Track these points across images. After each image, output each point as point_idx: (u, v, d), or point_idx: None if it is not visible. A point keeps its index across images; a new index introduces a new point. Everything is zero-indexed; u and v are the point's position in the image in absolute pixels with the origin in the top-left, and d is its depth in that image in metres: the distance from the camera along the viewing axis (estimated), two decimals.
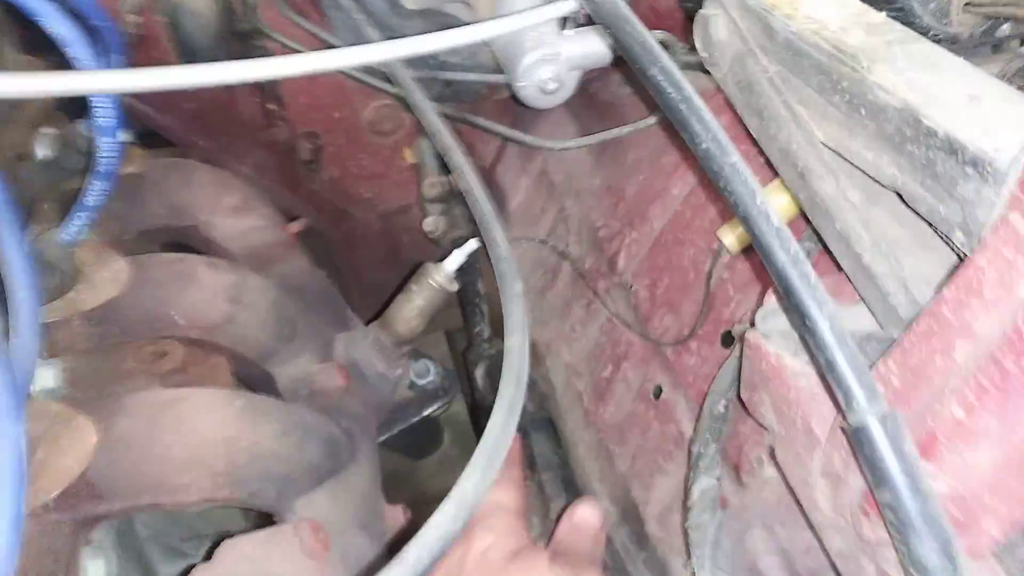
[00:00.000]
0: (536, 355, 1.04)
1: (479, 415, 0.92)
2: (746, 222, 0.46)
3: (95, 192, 0.66)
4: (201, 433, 0.62)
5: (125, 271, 0.69)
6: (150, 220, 0.82)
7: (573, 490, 0.94)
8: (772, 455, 0.65)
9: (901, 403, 0.45)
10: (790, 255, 0.45)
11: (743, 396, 0.62)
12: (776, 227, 0.46)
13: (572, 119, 1.03)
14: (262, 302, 0.74)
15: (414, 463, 1.47)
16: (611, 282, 0.92)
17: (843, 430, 0.45)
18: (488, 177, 1.14)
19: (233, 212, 0.85)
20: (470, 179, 0.63)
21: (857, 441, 0.43)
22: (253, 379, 0.73)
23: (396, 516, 0.77)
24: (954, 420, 0.42)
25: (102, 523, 0.66)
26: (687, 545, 0.67)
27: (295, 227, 0.85)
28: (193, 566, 0.57)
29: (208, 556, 0.58)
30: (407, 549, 0.35)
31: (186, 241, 0.83)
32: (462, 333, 1.26)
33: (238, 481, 0.62)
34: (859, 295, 0.57)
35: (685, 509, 0.68)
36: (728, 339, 0.78)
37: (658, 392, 0.85)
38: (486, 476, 0.39)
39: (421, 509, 0.98)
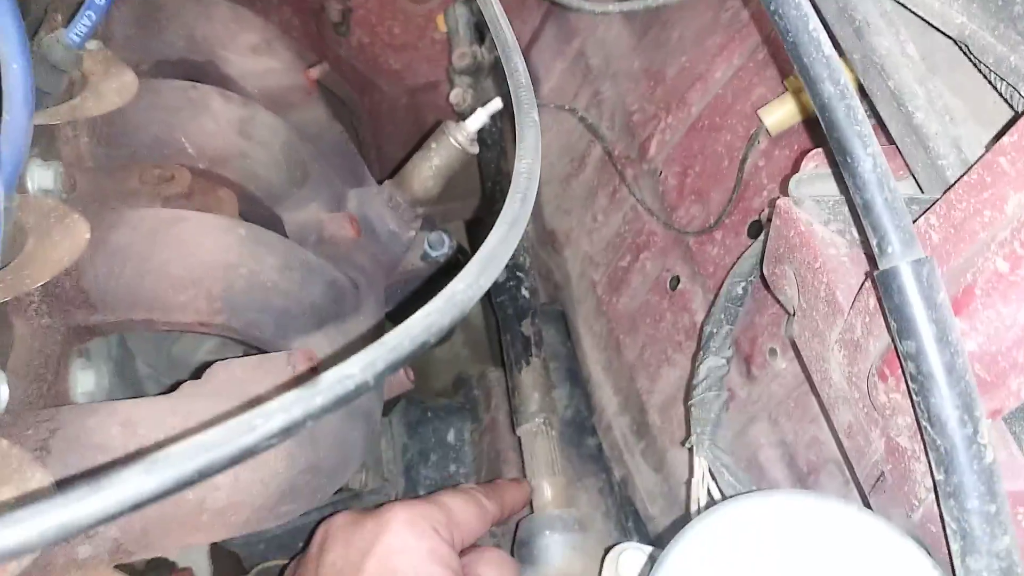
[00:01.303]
0: (555, 245, 1.02)
1: (495, 324, 0.89)
2: (796, 51, 0.43)
3: None
4: (200, 254, 0.60)
5: (134, 84, 0.66)
6: (166, 50, 0.79)
7: (576, 381, 0.93)
8: (790, 342, 0.63)
9: (940, 259, 0.42)
10: (838, 87, 0.41)
11: (766, 271, 0.59)
12: (827, 56, 0.42)
13: None
14: (275, 141, 0.71)
15: (422, 358, 1.47)
16: (640, 169, 0.88)
17: (872, 278, 0.42)
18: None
19: (252, 51, 0.81)
20: (495, 8, 0.59)
21: (886, 288, 0.40)
22: (261, 220, 0.71)
23: (401, 379, 0.75)
24: (996, 273, 0.38)
25: (98, 342, 0.65)
26: (687, 424, 0.65)
27: (315, 72, 0.82)
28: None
29: (197, 376, 0.57)
30: (388, 335, 0.33)
31: (202, 79, 0.80)
32: (482, 227, 1.24)
33: (235, 308, 0.60)
34: (905, 164, 0.53)
35: (690, 387, 0.65)
36: (756, 229, 0.74)
37: (675, 282, 0.82)
38: (479, 282, 0.37)
39: (427, 402, 0.98)
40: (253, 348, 0.66)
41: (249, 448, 0.29)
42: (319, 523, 0.63)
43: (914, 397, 0.39)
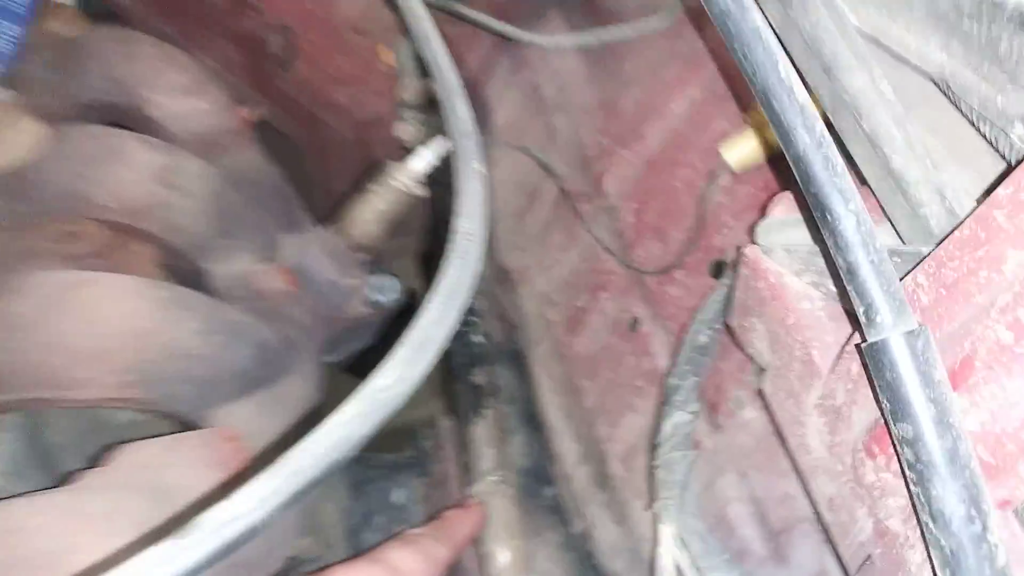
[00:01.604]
0: (509, 283, 0.96)
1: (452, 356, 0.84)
2: (765, 96, 0.38)
3: (5, 36, 0.56)
4: (108, 322, 0.53)
5: (41, 136, 0.59)
6: (86, 93, 0.72)
7: (534, 425, 0.87)
8: (758, 394, 0.58)
9: (931, 324, 0.37)
10: (815, 136, 0.37)
11: (732, 323, 0.55)
12: (801, 104, 0.37)
13: (567, 24, 0.93)
14: (201, 189, 0.65)
15: None
16: (596, 205, 0.84)
17: (859, 350, 0.37)
18: (473, 90, 1.04)
19: (179, 91, 0.75)
20: (436, 48, 0.54)
21: (876, 362, 0.35)
22: (185, 276, 0.64)
23: None
24: (999, 344, 0.34)
25: None
26: (652, 486, 0.60)
27: (249, 112, 0.76)
28: None
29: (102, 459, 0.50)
30: (288, 455, 0.27)
31: (125, 123, 0.74)
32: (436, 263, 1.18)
33: (149, 380, 0.53)
34: (882, 210, 0.49)
35: (654, 446, 0.61)
36: (718, 269, 0.70)
37: (635, 324, 0.77)
38: (406, 376, 0.31)
39: (372, 459, 0.91)
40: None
41: None
42: None
43: (912, 486, 0.35)
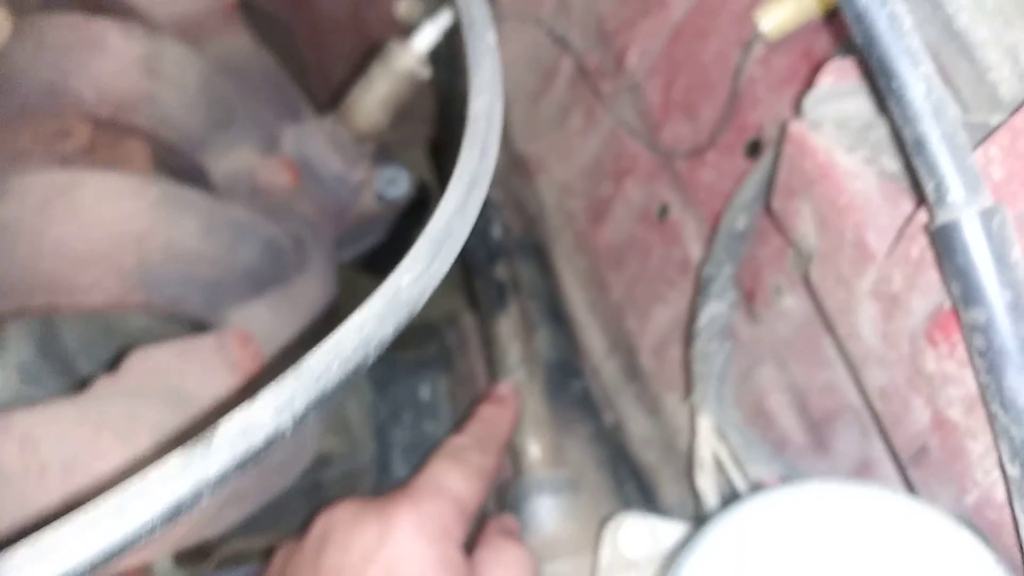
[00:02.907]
0: (525, 172, 0.92)
1: (471, 251, 0.80)
2: None
3: None
4: (105, 224, 0.50)
5: (10, 25, 0.54)
6: None
7: (559, 320, 0.85)
8: (803, 281, 0.55)
9: (1005, 201, 0.33)
10: None
11: (775, 206, 0.51)
12: None
13: None
14: (189, 78, 0.60)
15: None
16: (618, 83, 0.78)
17: (928, 231, 0.33)
18: None
19: None
20: None
21: (946, 244, 0.32)
22: (183, 172, 0.61)
23: None
24: None
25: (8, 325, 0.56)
26: (687, 378, 0.58)
27: None
28: None
29: (114, 366, 0.48)
30: (310, 358, 0.25)
31: (102, 9, 0.68)
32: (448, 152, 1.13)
33: (154, 283, 0.51)
34: (940, 73, 0.44)
35: (689, 337, 0.58)
36: (754, 148, 0.65)
37: (664, 212, 0.73)
38: (430, 270, 0.28)
39: (393, 348, 0.90)
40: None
41: (116, 547, 0.21)
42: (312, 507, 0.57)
43: (981, 375, 0.32)
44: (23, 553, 0.21)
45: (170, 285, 0.52)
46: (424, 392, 0.79)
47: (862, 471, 0.52)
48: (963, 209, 0.31)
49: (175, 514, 0.22)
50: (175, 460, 0.22)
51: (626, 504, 0.76)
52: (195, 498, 0.22)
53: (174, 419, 0.46)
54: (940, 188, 0.32)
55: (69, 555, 0.21)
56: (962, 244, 0.31)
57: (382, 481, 0.75)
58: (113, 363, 0.49)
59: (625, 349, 0.79)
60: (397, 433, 0.76)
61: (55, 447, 0.42)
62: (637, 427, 0.79)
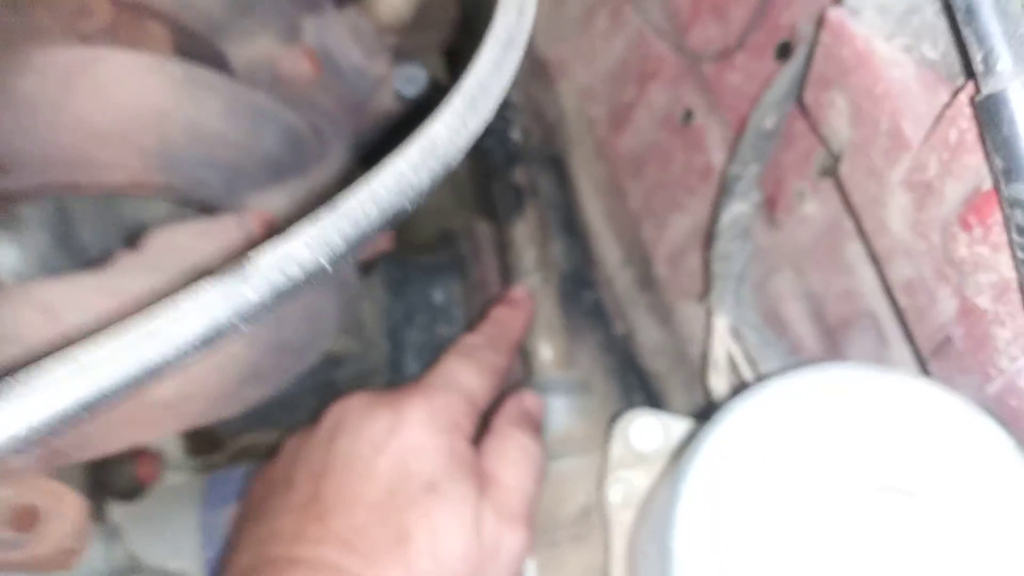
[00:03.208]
0: (546, 77, 0.90)
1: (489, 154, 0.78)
2: None
3: None
4: (127, 102, 0.50)
5: None
6: None
7: (572, 232, 0.84)
8: (833, 177, 0.54)
9: None
10: None
11: (807, 99, 0.50)
12: None
13: None
14: None
15: None
16: None
17: (973, 103, 0.33)
18: None
19: None
20: None
21: (992, 115, 0.31)
22: (202, 59, 0.59)
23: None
24: None
25: (30, 210, 0.56)
26: (706, 279, 0.57)
27: None
28: None
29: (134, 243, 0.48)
30: (346, 200, 0.24)
31: None
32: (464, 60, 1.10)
33: (175, 163, 0.50)
34: None
35: (710, 238, 0.57)
36: (784, 50, 0.63)
37: (688, 117, 0.72)
38: (466, 123, 0.27)
39: (408, 252, 0.90)
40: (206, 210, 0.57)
41: (149, 370, 0.21)
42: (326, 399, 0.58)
43: (1020, 253, 0.31)
44: (59, 369, 0.21)
45: (191, 167, 0.51)
46: (438, 296, 0.79)
47: None
48: (1011, 79, 0.30)
49: (209, 344, 0.22)
50: (210, 288, 0.22)
51: None
52: (230, 329, 0.22)
53: None
54: (989, 58, 0.31)
55: (107, 372, 0.21)
56: (1008, 115, 0.30)
57: (394, 381, 0.76)
58: (132, 240, 0.49)
59: (640, 259, 0.79)
60: (410, 335, 0.76)
61: (77, 316, 0.42)
62: (648, 337, 0.79)
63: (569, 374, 0.70)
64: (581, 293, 0.83)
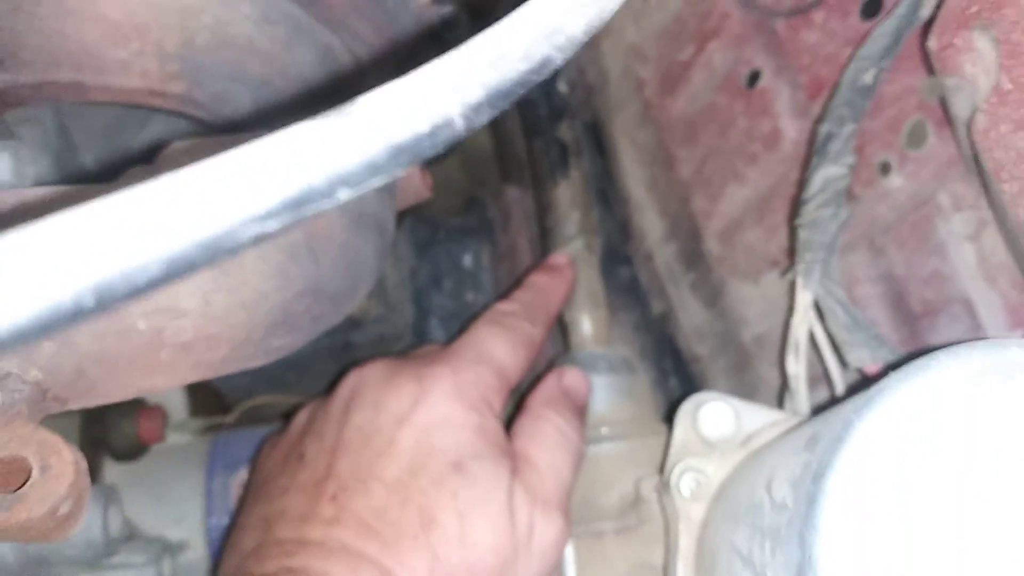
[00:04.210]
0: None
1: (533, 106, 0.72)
2: None
3: None
4: None
5: None
6: None
7: (609, 202, 0.78)
8: (966, 130, 0.48)
9: None
10: None
11: (936, 44, 0.44)
12: None
13: None
14: None
15: None
16: None
17: None
18: None
19: None
20: None
21: None
22: None
23: (415, 184, 0.60)
24: None
25: (31, 129, 0.49)
26: (795, 243, 0.51)
27: None
28: None
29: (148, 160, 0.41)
30: (477, 37, 0.18)
31: None
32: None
33: (198, 70, 0.43)
34: None
35: (798, 203, 0.51)
36: (873, 6, 0.58)
37: (754, 78, 0.65)
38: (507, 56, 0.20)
39: (439, 220, 0.83)
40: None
41: (218, 245, 0.14)
42: (342, 370, 0.52)
43: None
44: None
45: (215, 76, 0.44)
46: (467, 260, 0.73)
47: None
48: None
49: (299, 212, 0.16)
50: (311, 126, 0.16)
51: (669, 397, 0.71)
52: (331, 189, 0.16)
53: None
54: None
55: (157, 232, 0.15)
56: None
57: (417, 348, 0.69)
58: (150, 156, 0.42)
59: (687, 232, 0.72)
60: (436, 299, 0.70)
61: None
62: (689, 317, 0.73)
63: (612, 350, 0.63)
64: (616, 269, 0.77)
